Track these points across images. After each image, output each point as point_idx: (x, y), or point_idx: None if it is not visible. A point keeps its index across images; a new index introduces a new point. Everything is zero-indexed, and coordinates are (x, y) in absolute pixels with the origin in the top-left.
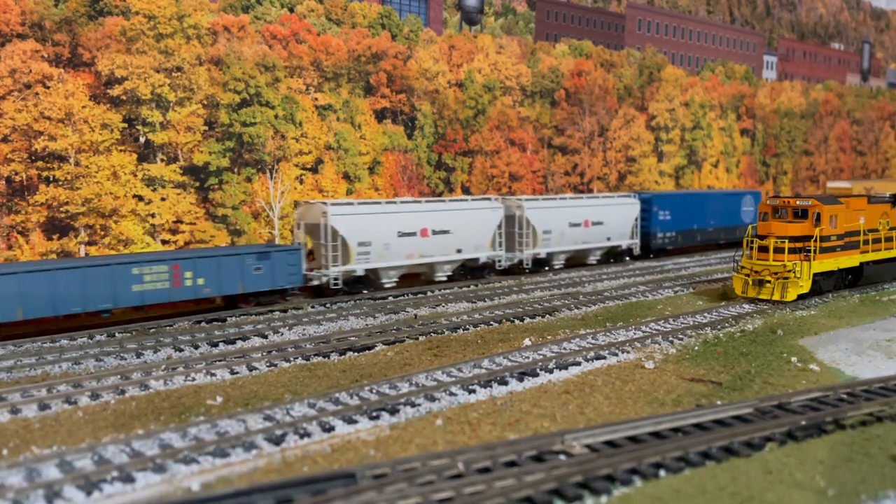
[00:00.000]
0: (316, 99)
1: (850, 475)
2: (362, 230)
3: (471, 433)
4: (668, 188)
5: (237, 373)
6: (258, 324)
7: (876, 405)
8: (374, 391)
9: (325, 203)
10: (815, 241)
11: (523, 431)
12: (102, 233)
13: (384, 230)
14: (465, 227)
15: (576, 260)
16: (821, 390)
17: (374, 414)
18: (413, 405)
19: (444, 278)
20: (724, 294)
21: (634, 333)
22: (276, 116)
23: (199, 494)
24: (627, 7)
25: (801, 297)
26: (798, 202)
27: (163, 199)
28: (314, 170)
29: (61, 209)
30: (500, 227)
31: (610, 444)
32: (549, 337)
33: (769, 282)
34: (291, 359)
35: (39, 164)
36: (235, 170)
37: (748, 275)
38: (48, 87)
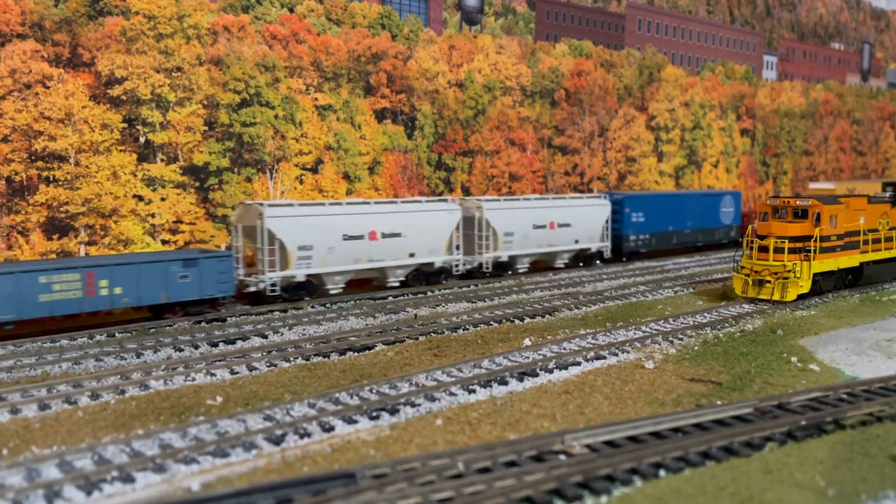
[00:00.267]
0: (316, 99)
1: (850, 475)
2: (303, 233)
3: (471, 433)
4: (668, 188)
5: (237, 373)
6: (258, 324)
7: (876, 405)
8: (374, 391)
9: (261, 204)
10: (815, 241)
11: (523, 431)
12: (102, 233)
13: (328, 233)
14: (419, 229)
15: (542, 263)
16: (821, 390)
17: (374, 414)
18: (413, 405)
19: (397, 284)
20: (724, 294)
21: (634, 333)
22: (276, 116)
23: (199, 494)
24: (627, 7)
25: (801, 297)
26: (798, 202)
27: (163, 199)
28: (314, 170)
29: (61, 209)
30: (457, 229)
31: (610, 444)
32: (549, 337)
33: (769, 282)
34: (291, 359)
35: (39, 164)
36: (235, 170)
37: (748, 275)
38: (48, 88)
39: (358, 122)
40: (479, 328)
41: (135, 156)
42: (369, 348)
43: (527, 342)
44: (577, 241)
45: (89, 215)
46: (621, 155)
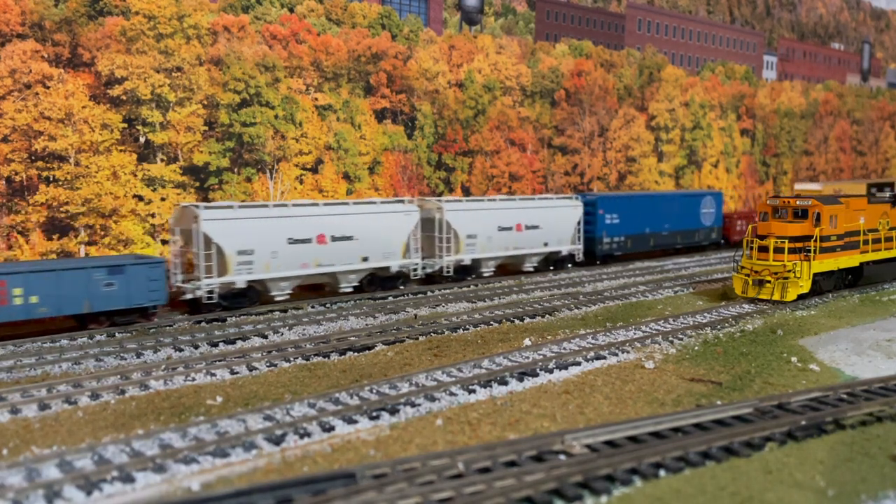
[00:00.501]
0: (316, 99)
1: (850, 475)
2: (242, 237)
3: (471, 433)
4: (668, 188)
5: (237, 373)
6: (258, 324)
7: (876, 405)
8: (374, 391)
9: (197, 206)
10: (815, 241)
11: (523, 431)
12: (102, 233)
13: (271, 237)
14: (372, 232)
15: (509, 267)
16: (821, 390)
17: (374, 414)
18: (413, 405)
19: (350, 289)
20: (724, 294)
21: (634, 333)
22: (276, 116)
23: (199, 494)
24: (627, 7)
25: (801, 297)
26: (798, 202)
27: (163, 199)
28: (314, 170)
29: (61, 209)
30: (415, 231)
31: (610, 444)
32: (549, 337)
33: (769, 282)
34: (291, 359)
35: (39, 164)
36: (235, 170)
37: (748, 275)
38: (48, 88)
39: (358, 122)
40: (479, 328)
41: (135, 156)
42: (369, 348)
43: (527, 342)
44: (546, 244)
45: (89, 215)
46: (621, 155)
